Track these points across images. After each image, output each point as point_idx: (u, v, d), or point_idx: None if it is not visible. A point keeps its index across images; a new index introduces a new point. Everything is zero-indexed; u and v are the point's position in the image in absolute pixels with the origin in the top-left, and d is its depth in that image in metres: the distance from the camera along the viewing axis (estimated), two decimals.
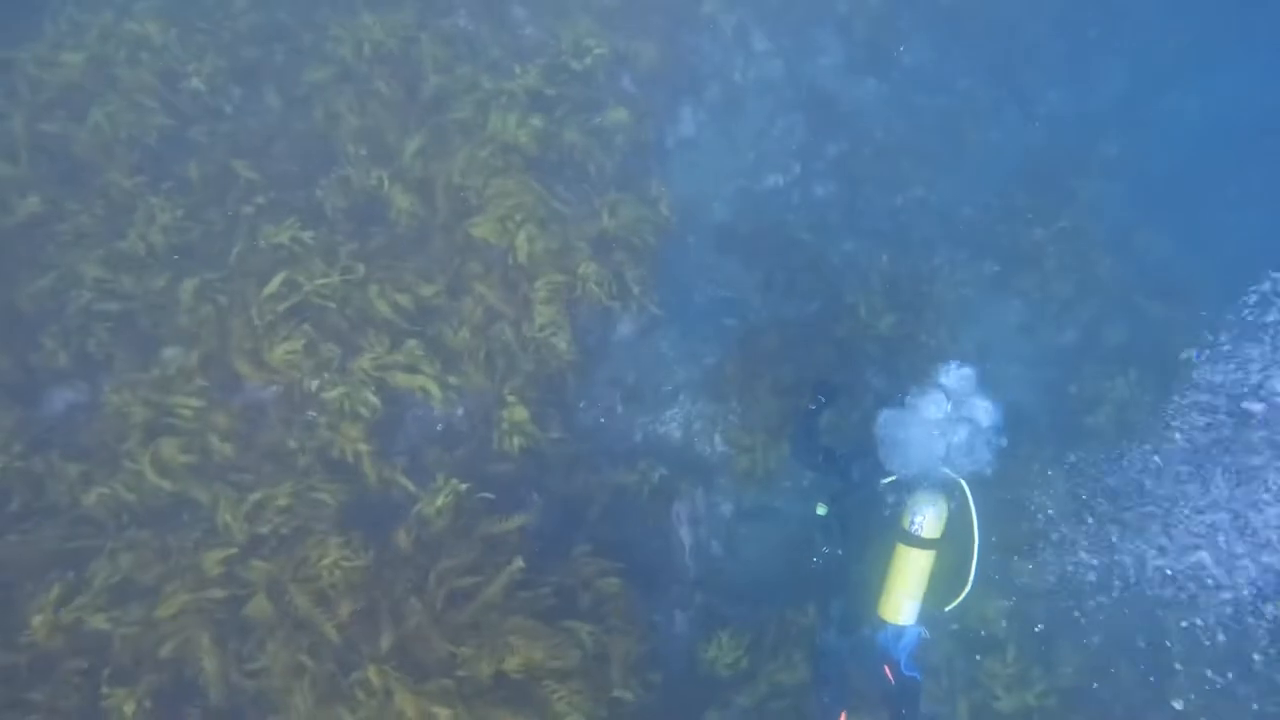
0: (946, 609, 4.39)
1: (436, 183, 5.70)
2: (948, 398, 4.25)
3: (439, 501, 4.71)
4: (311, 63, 6.23)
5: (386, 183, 5.68)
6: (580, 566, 5.05)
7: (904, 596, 4.27)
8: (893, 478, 4.41)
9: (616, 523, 6.50)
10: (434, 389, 5.09)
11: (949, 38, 9.52)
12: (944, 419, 4.22)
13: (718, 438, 7.15)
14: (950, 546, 4.27)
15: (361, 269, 5.26)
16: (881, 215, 8.59)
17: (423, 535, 4.68)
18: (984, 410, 4.24)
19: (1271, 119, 11.59)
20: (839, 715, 4.57)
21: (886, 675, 4.52)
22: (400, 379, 5.03)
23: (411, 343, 5.17)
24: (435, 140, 5.94)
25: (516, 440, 5.25)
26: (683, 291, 7.78)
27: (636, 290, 5.92)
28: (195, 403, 4.68)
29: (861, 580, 4.42)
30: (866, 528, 4.43)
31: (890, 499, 4.39)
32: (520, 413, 5.17)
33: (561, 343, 5.57)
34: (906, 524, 4.23)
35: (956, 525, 4.27)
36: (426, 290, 5.27)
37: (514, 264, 5.52)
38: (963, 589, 4.31)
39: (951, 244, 8.32)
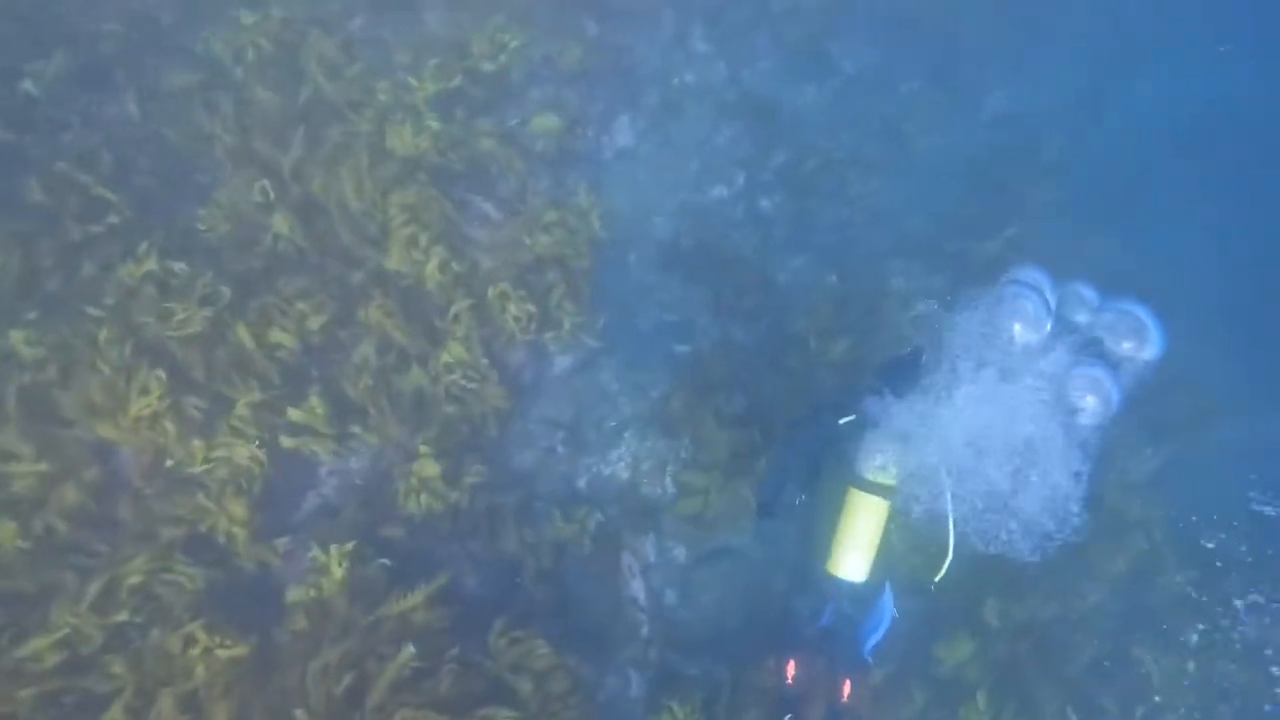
0: (935, 579, 4.03)
1: (329, 202, 4.99)
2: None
3: (332, 577, 3.98)
4: (178, 66, 5.46)
5: (271, 200, 4.94)
6: (503, 643, 4.37)
7: (850, 549, 4.02)
8: (852, 416, 4.15)
9: (557, 583, 5.87)
10: (325, 446, 4.36)
11: (889, 42, 9.34)
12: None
13: (669, 478, 6.58)
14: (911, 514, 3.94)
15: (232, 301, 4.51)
16: (829, 228, 8.27)
17: (312, 619, 3.94)
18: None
19: (1213, 116, 11.92)
20: (786, 663, 4.25)
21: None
22: (286, 441, 4.28)
23: (311, 400, 4.43)
24: (325, 155, 5.24)
25: (424, 499, 4.55)
26: (626, 315, 7.24)
27: (570, 320, 5.32)
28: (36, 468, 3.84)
29: (816, 530, 4.18)
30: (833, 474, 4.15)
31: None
32: (430, 467, 4.50)
33: (485, 383, 4.91)
34: (854, 465, 4.01)
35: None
36: (315, 323, 4.55)
37: (423, 294, 4.84)
38: (944, 559, 3.95)
39: (904, 257, 8.01)
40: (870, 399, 4.16)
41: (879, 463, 4.00)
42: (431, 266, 4.83)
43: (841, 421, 4.21)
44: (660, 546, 6.65)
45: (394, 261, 4.99)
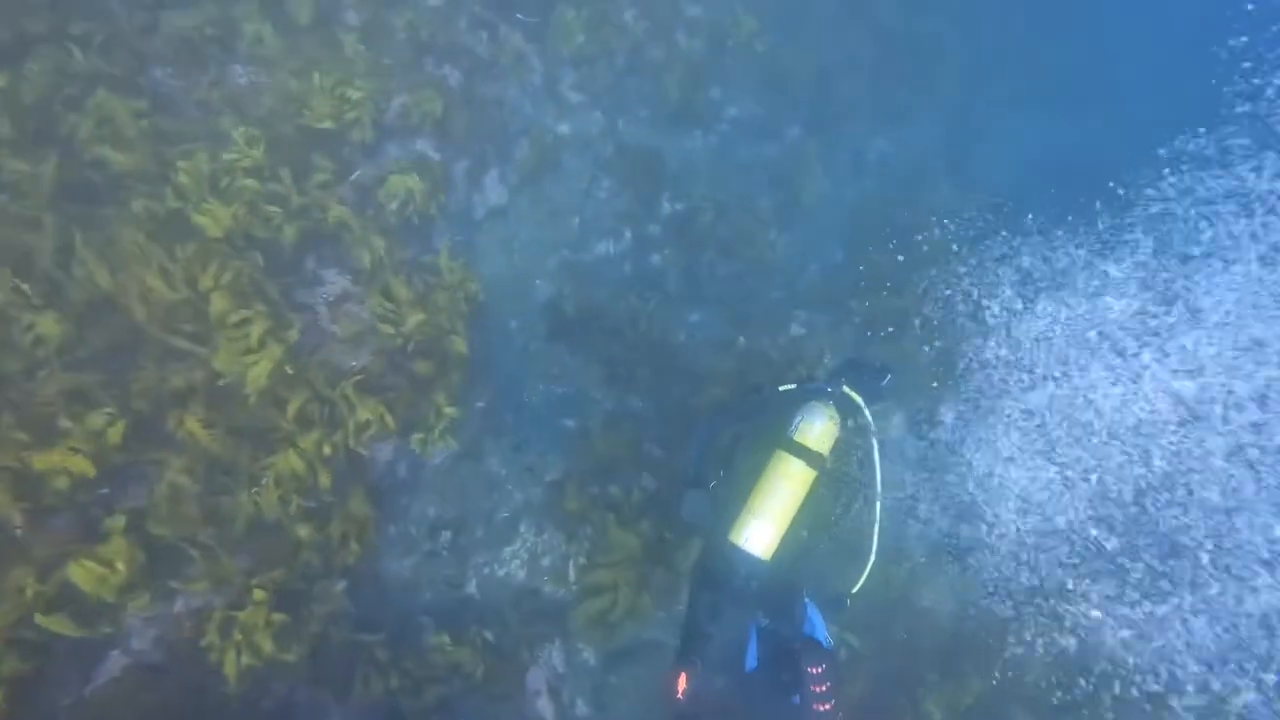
0: (853, 591, 3.98)
1: (129, 296, 4.26)
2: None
3: None
4: None
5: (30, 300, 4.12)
6: None
7: (760, 515, 3.80)
8: (791, 386, 4.14)
9: (450, 717, 5.18)
10: (114, 598, 3.57)
11: (768, 87, 9.49)
12: None
13: (572, 571, 6.05)
14: (835, 497, 3.96)
15: None
16: (725, 281, 8.14)
17: None
18: None
19: (1089, 157, 12.97)
20: (677, 676, 3.88)
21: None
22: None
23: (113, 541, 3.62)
24: (109, 240, 4.48)
25: (245, 659, 3.80)
26: (510, 391, 6.75)
27: (441, 421, 4.76)
28: None
29: (729, 499, 3.97)
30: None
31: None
32: (259, 615, 3.75)
33: (340, 498, 4.25)
34: (787, 429, 3.90)
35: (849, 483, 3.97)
36: (97, 422, 3.76)
37: (251, 401, 4.16)
38: (865, 564, 3.93)
39: (806, 309, 7.96)
40: (820, 384, 4.19)
41: (814, 429, 3.89)
42: (261, 368, 4.16)
43: (781, 389, 4.14)
44: (567, 651, 6.07)
45: (222, 360, 4.28)
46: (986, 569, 6.53)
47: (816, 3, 10.36)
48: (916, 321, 7.83)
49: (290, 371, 4.21)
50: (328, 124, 5.70)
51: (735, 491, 3.98)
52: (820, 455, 3.89)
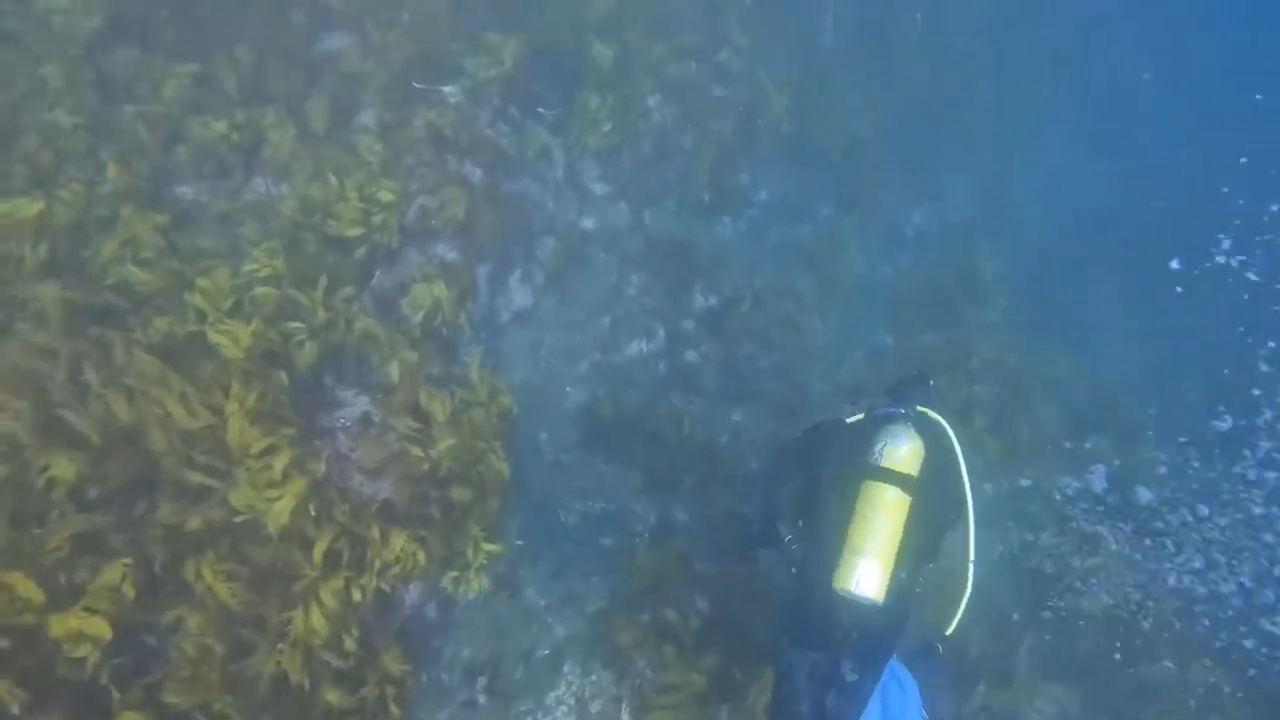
0: (946, 634, 3.88)
1: (149, 425, 4.25)
2: None
3: None
4: None
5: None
6: None
7: (866, 553, 3.72)
8: (858, 416, 4.16)
9: None
10: None
11: (797, 165, 9.73)
12: None
13: (627, 716, 5.76)
14: (932, 523, 3.83)
15: None
16: (767, 375, 8.11)
17: None
18: None
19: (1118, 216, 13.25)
20: None
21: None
22: None
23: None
24: (127, 366, 4.53)
25: None
26: (544, 511, 6.62)
27: (479, 554, 4.64)
28: None
29: (820, 543, 3.91)
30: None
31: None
32: None
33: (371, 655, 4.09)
34: (869, 456, 3.88)
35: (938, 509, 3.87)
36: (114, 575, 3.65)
37: (272, 542, 4.07)
38: (959, 600, 3.84)
39: (855, 399, 7.86)
40: (891, 406, 4.17)
41: (900, 451, 3.84)
42: (283, 505, 4.09)
43: (849, 420, 4.12)
44: None
45: (242, 496, 4.22)
46: None
47: (840, 70, 10.75)
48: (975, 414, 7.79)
49: (314, 511, 4.13)
50: (354, 231, 5.83)
51: (826, 535, 3.90)
52: (912, 478, 3.83)
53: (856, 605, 3.78)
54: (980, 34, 13.15)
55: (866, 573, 3.75)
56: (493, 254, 7.24)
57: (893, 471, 3.84)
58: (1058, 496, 7.81)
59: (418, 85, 7.31)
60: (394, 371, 5.38)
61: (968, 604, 3.88)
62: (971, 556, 3.88)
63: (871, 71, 11.32)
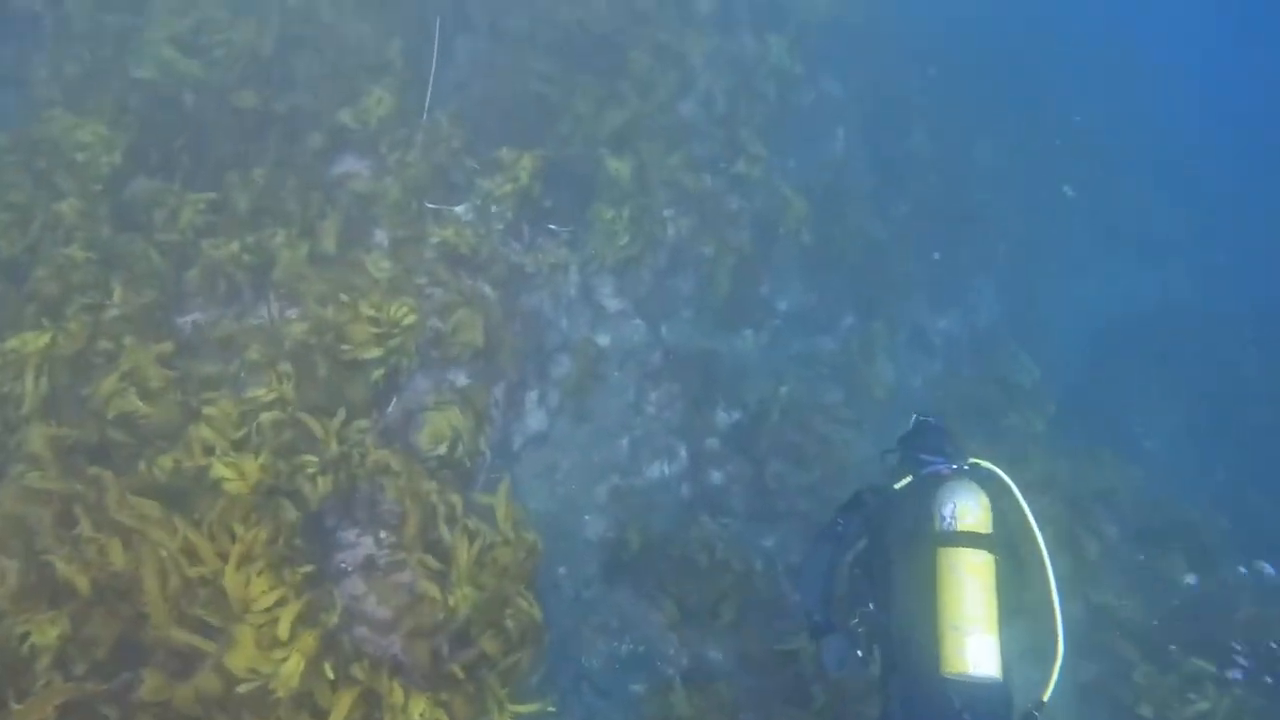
0: (1044, 700, 3.68)
1: (145, 572, 4.16)
2: None
3: None
4: None
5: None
6: None
7: (971, 630, 3.58)
8: (907, 480, 4.16)
9: None
10: None
11: (818, 272, 9.95)
12: None
13: None
14: (1012, 581, 3.77)
15: None
16: (799, 494, 8.00)
17: None
18: None
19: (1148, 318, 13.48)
20: None
21: None
22: None
23: None
24: (125, 506, 4.48)
25: None
26: (566, 656, 6.36)
27: (514, 708, 4.45)
28: None
29: (907, 630, 3.82)
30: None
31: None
32: None
33: None
34: (937, 521, 3.81)
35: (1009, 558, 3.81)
36: None
37: (279, 709, 3.90)
38: (1052, 662, 3.67)
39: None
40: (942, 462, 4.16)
41: (971, 509, 3.79)
42: (292, 666, 3.93)
43: (897, 486, 4.09)
44: None
45: (242, 658, 4.07)
46: None
47: (855, 176, 11.16)
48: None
49: (331, 673, 3.96)
50: (370, 353, 5.89)
51: (913, 617, 3.79)
52: (990, 536, 3.77)
53: (974, 687, 3.57)
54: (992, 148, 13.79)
55: (979, 650, 3.59)
56: (504, 375, 7.30)
57: (971, 534, 3.77)
58: (1155, 621, 7.56)
59: (431, 205, 7.57)
60: (410, 507, 5.31)
61: (1062, 664, 3.72)
62: (1058, 611, 3.77)
63: (886, 178, 11.78)
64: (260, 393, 5.81)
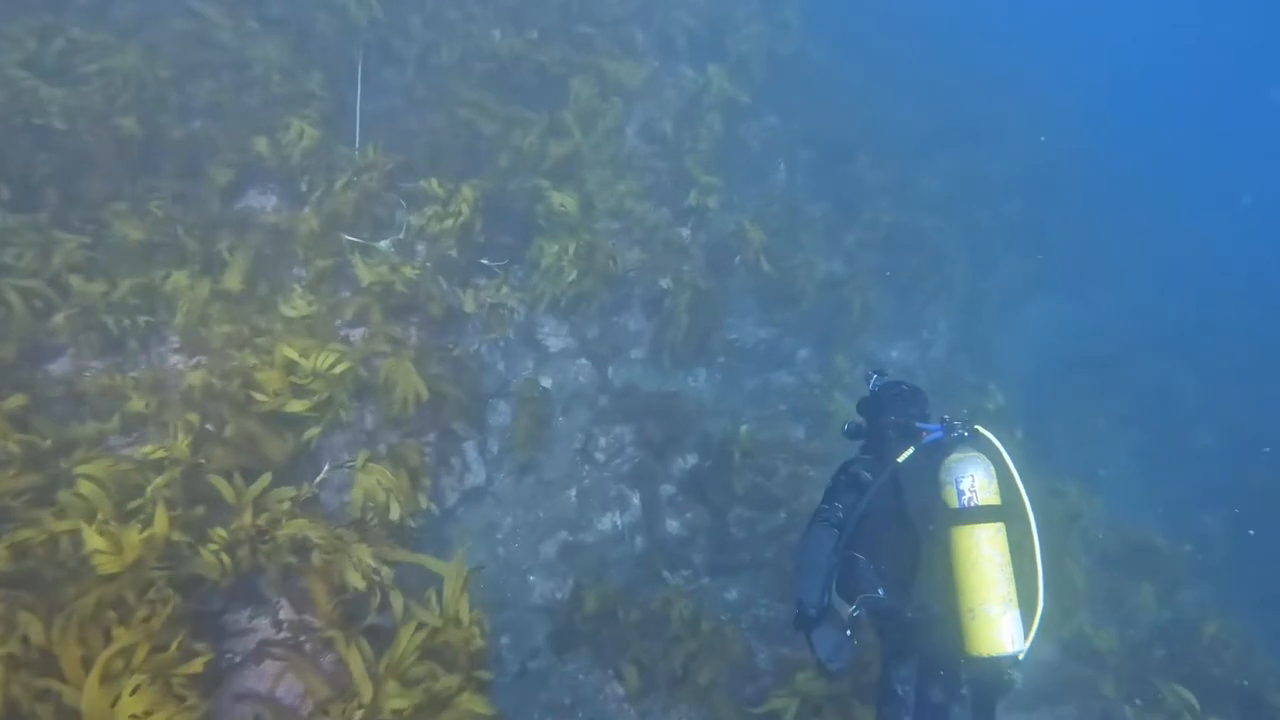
0: (1020, 655, 3.61)
1: None
2: None
3: None
4: None
5: None
6: None
7: (991, 610, 3.56)
8: (909, 452, 3.90)
9: None
10: None
11: (771, 308, 9.55)
12: None
13: None
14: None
15: None
16: (765, 540, 7.42)
17: None
18: None
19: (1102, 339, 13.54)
20: None
21: None
22: None
23: None
24: None
25: None
26: None
27: None
28: None
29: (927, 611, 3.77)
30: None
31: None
32: None
33: None
34: (952, 499, 3.73)
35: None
36: None
37: None
38: (1032, 617, 3.63)
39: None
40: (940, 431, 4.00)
41: (980, 481, 3.71)
42: None
43: (900, 460, 3.88)
44: None
45: None
46: None
47: (802, 207, 10.90)
48: None
49: None
50: (296, 406, 5.19)
51: (928, 600, 3.75)
52: (1002, 507, 3.73)
53: (997, 664, 3.58)
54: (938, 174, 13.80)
55: (1005, 629, 3.56)
56: (436, 424, 6.61)
57: (989, 508, 3.69)
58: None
59: (350, 238, 6.93)
60: (322, 586, 4.57)
61: (1041, 620, 3.64)
62: (1040, 566, 3.67)
63: (832, 208, 11.55)
64: (147, 450, 5.06)
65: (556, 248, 7.60)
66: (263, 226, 6.81)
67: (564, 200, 7.97)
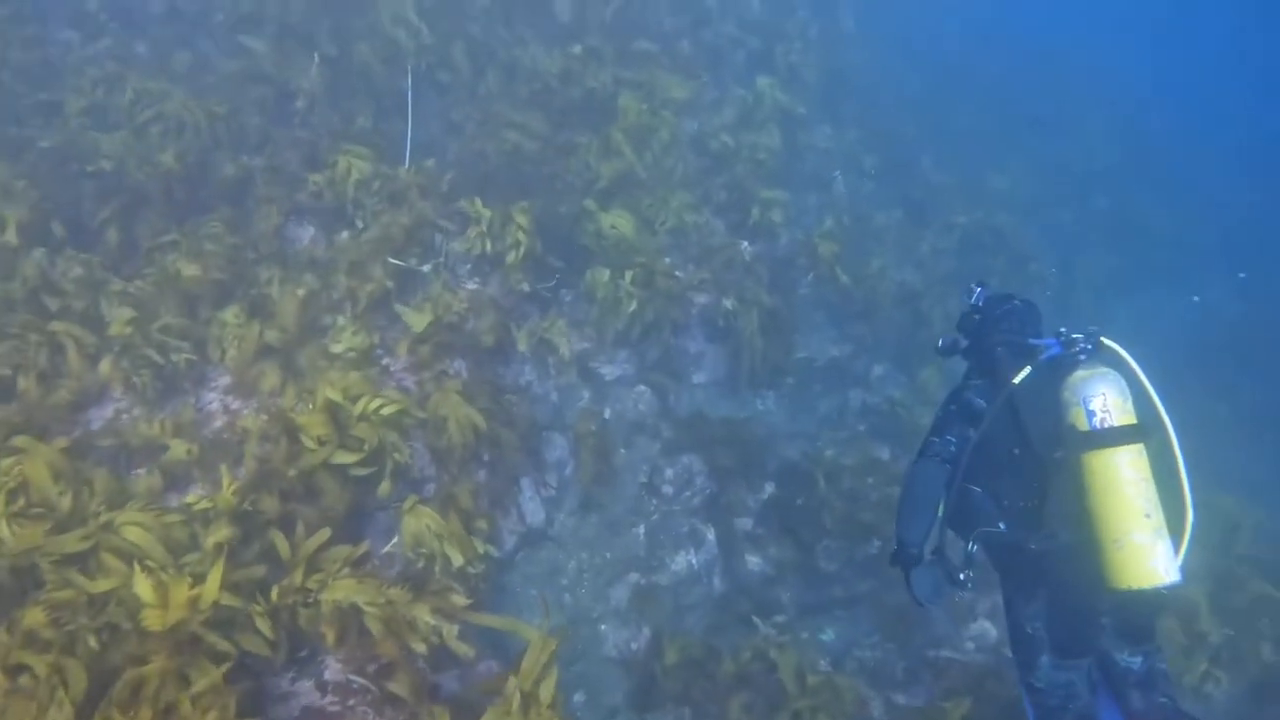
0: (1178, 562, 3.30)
1: None
2: None
3: None
4: None
5: None
6: None
7: (1146, 536, 3.22)
8: (1025, 371, 3.55)
9: None
10: None
11: (849, 324, 9.02)
12: None
13: None
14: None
15: None
16: (856, 573, 6.79)
17: None
18: None
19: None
20: None
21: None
22: None
23: None
24: None
25: None
26: None
27: None
28: None
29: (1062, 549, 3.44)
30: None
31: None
32: None
33: None
34: (1081, 422, 3.37)
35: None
36: None
37: None
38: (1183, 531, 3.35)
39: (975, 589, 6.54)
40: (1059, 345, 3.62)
41: (1113, 400, 3.36)
42: None
43: (1016, 381, 3.52)
44: None
45: None
46: None
47: (876, 215, 10.38)
48: None
49: None
50: (351, 460, 4.86)
51: (1060, 533, 3.44)
52: (1140, 426, 3.39)
53: (1148, 596, 3.28)
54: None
55: (1158, 557, 3.22)
56: (490, 464, 6.18)
57: (1126, 428, 3.34)
58: None
59: (394, 261, 6.65)
60: (389, 645, 4.16)
61: (1192, 533, 3.35)
62: (1187, 487, 3.36)
63: (902, 214, 11.01)
64: (192, 499, 4.76)
65: (610, 272, 7.23)
66: (312, 259, 6.63)
67: (618, 222, 7.60)
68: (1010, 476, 3.60)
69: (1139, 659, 3.43)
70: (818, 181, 10.86)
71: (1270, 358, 12.14)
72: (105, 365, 5.35)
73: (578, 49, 9.21)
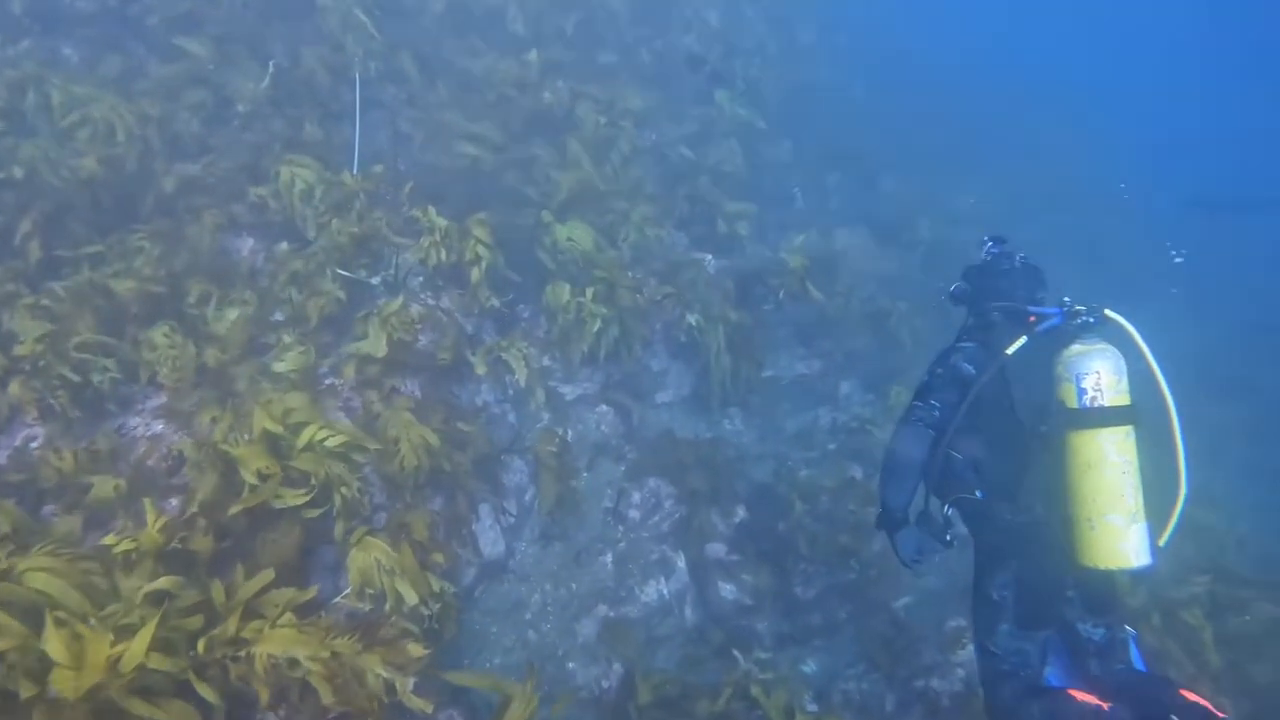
0: (1162, 542, 3.32)
1: None
2: None
3: None
4: None
5: None
6: None
7: (1115, 518, 3.18)
8: (1021, 341, 3.48)
9: None
10: None
11: (816, 340, 8.84)
12: None
13: None
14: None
15: None
16: (836, 598, 6.55)
17: None
18: None
19: None
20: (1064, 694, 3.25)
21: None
22: None
23: None
24: None
25: None
26: None
27: None
28: None
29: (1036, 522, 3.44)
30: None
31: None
32: None
33: None
34: (1070, 398, 3.29)
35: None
36: None
37: None
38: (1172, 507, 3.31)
39: (960, 616, 6.33)
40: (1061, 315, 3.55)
41: (1109, 378, 3.28)
42: None
43: (1009, 351, 3.48)
44: None
45: None
46: None
47: (839, 230, 10.26)
48: None
49: None
50: (289, 499, 4.44)
51: (1037, 507, 3.44)
52: (1133, 408, 3.32)
53: (1113, 576, 3.35)
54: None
55: (1129, 541, 3.21)
56: (442, 491, 5.80)
57: (1117, 409, 3.26)
58: None
59: (343, 272, 6.25)
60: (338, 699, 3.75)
61: (1182, 510, 3.33)
62: (1184, 474, 3.30)
63: (865, 229, 10.92)
64: (111, 540, 4.29)
65: (570, 287, 6.92)
66: (253, 270, 6.20)
67: (576, 234, 7.30)
68: (992, 446, 3.56)
69: (1101, 630, 3.41)
70: (782, 195, 10.73)
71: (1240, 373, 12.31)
72: (15, 387, 4.85)
73: (532, 55, 8.95)
